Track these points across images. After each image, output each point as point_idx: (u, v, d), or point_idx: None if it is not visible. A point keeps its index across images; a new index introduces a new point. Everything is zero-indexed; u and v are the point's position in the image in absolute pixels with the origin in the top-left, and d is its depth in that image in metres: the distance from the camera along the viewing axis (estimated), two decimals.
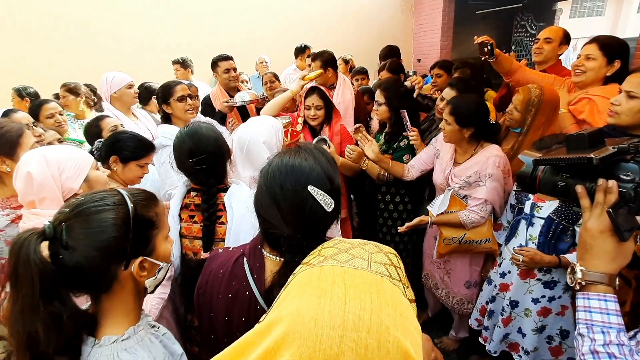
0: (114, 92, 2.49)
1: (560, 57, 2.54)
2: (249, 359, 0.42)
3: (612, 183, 0.72)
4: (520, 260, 1.52)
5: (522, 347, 1.74)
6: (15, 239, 0.63)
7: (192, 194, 1.33)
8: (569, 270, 0.79)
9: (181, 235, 1.30)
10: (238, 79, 3.04)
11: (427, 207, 1.95)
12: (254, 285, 0.81)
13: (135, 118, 2.65)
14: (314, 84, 2.35)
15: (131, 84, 2.55)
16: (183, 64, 4.01)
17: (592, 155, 0.70)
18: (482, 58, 2.13)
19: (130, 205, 0.70)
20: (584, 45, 1.86)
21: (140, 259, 0.72)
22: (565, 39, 2.48)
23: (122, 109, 2.55)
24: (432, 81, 3.14)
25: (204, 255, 1.24)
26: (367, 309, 0.41)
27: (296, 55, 4.35)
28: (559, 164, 0.80)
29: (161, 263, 0.76)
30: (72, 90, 2.68)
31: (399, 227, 1.93)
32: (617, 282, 0.73)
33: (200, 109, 2.49)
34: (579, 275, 0.74)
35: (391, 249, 0.54)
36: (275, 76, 3.66)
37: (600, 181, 0.73)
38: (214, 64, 2.91)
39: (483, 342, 1.89)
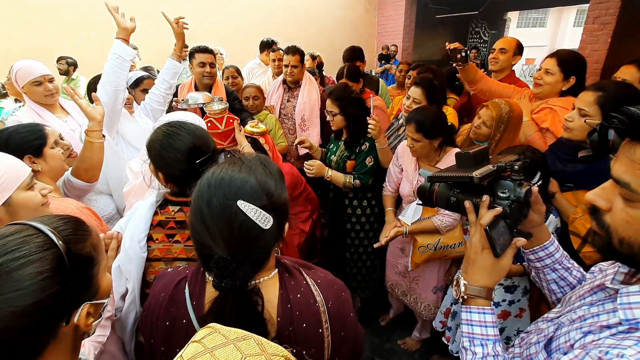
0: (22, 88, 1.91)
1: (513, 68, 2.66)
2: None
3: (485, 198, 0.75)
4: None
5: None
6: None
7: (173, 208, 1.08)
8: (454, 282, 0.81)
9: (152, 259, 1.06)
10: (214, 75, 2.62)
11: (399, 217, 1.94)
12: (192, 312, 0.72)
13: (65, 114, 2.05)
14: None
15: (39, 80, 1.88)
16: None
17: (473, 174, 0.72)
18: (453, 64, 2.16)
19: (60, 244, 0.56)
20: (546, 57, 1.93)
21: (86, 306, 0.59)
22: (519, 49, 2.59)
23: (44, 104, 1.97)
24: (407, 83, 3.14)
25: None
26: None
27: (261, 50, 4.12)
28: (448, 182, 0.83)
29: (105, 300, 0.64)
30: None
31: (375, 244, 1.90)
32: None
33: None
34: (462, 288, 0.77)
35: (281, 351, 0.50)
36: (238, 71, 3.25)
37: (484, 197, 0.76)
38: (191, 55, 2.64)
39: (446, 342, 1.94)
